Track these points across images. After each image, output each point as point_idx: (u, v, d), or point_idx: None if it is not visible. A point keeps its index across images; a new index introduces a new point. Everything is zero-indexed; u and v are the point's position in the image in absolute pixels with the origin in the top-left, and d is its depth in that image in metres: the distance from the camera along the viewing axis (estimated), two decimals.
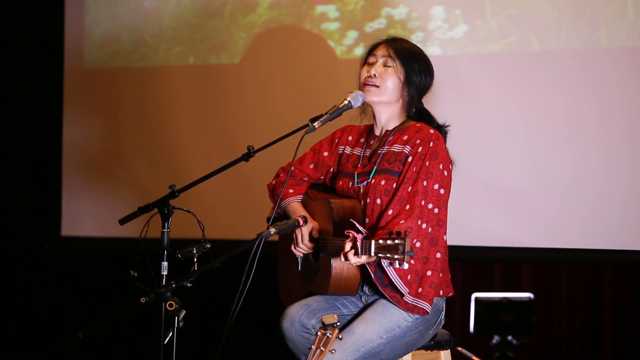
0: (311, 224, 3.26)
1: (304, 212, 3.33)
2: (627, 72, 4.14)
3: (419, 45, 4.16)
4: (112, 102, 5.24)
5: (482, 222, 4.33)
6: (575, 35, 4.22)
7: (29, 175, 5.44)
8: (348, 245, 2.94)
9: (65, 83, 5.33)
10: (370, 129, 3.36)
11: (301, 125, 3.18)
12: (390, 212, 3.08)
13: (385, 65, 3.24)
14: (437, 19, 4.46)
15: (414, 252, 2.80)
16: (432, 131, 3.18)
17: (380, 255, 2.83)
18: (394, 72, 3.23)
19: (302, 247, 3.27)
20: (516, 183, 4.29)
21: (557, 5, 4.24)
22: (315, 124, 3.17)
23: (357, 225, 2.97)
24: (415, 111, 3.28)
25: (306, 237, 3.25)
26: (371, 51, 3.29)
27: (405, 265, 2.80)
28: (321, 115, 3.20)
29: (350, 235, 2.94)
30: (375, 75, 3.23)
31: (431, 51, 4.43)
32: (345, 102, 3.22)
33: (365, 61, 3.30)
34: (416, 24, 4.49)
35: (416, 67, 3.24)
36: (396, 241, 2.79)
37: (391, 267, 2.97)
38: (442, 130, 3.26)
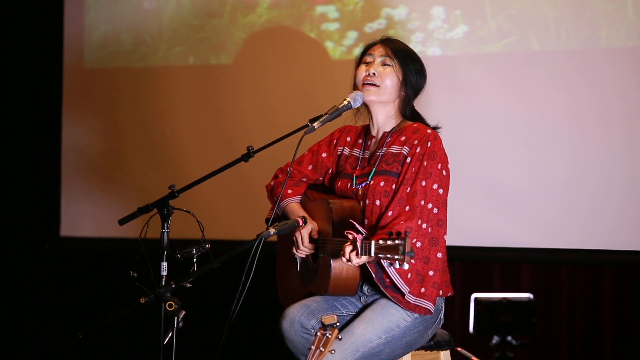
0: (310, 225, 3.26)
1: (302, 213, 3.33)
2: (627, 73, 4.13)
3: (418, 45, 4.17)
4: (112, 103, 5.24)
5: (481, 222, 4.33)
6: (575, 35, 4.21)
7: (29, 176, 5.43)
8: (348, 247, 2.94)
9: (65, 83, 5.33)
10: (367, 130, 3.36)
11: (301, 126, 3.18)
12: (390, 213, 3.08)
13: (383, 64, 3.24)
14: (437, 19, 4.46)
15: (414, 253, 2.80)
16: (429, 131, 3.18)
17: (380, 255, 2.83)
18: (392, 72, 3.23)
19: (303, 249, 3.27)
20: (516, 183, 4.29)
21: (557, 5, 4.24)
22: (315, 125, 3.18)
23: (357, 225, 2.97)
24: (409, 112, 3.28)
25: (306, 239, 3.25)
26: (367, 51, 3.29)
27: (406, 266, 2.80)
28: (321, 116, 3.20)
29: (350, 235, 2.94)
30: (374, 74, 3.22)
31: (431, 51, 4.43)
32: (345, 102, 3.22)
33: (361, 61, 3.29)
34: (416, 24, 4.49)
35: (412, 67, 3.25)
36: (396, 241, 2.79)
37: (392, 268, 2.97)
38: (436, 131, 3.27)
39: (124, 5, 5.18)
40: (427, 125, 3.27)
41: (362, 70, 3.26)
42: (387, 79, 3.23)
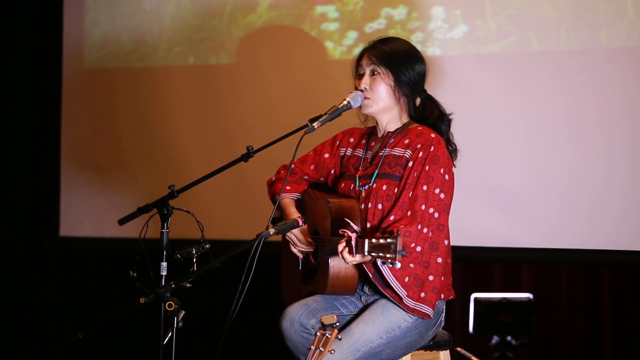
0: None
1: (292, 208, 3.35)
2: (627, 72, 4.13)
3: (418, 45, 4.15)
4: (112, 103, 5.24)
5: (481, 222, 4.33)
6: (575, 35, 4.21)
7: (28, 176, 5.43)
8: (341, 245, 2.95)
9: (65, 83, 5.33)
10: (372, 131, 3.36)
11: (300, 126, 3.18)
12: (392, 217, 3.09)
13: (372, 74, 3.23)
14: (437, 19, 4.46)
15: (406, 252, 2.80)
16: (433, 135, 3.18)
17: (373, 254, 2.83)
18: (381, 80, 3.22)
19: (300, 246, 3.28)
20: (516, 183, 4.29)
21: (557, 5, 4.24)
22: (315, 124, 3.18)
23: (352, 224, 2.98)
24: (421, 101, 3.27)
25: (300, 236, 3.27)
26: (359, 61, 3.29)
27: (398, 265, 2.80)
28: (320, 116, 3.20)
29: (345, 234, 2.94)
30: (366, 88, 3.23)
31: (431, 51, 4.43)
32: (345, 102, 3.23)
33: (357, 72, 3.30)
34: (416, 24, 4.49)
35: (402, 67, 3.22)
36: (388, 240, 2.80)
37: (386, 267, 2.98)
38: (445, 119, 3.25)
39: (124, 5, 5.18)
40: (439, 108, 3.25)
41: (357, 84, 3.26)
42: (378, 89, 3.22)
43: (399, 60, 3.23)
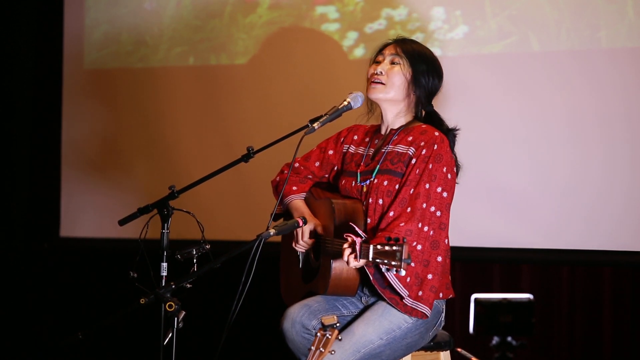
0: (313, 222, 3.26)
1: (305, 210, 3.33)
2: (627, 73, 4.14)
3: None
4: (112, 103, 5.24)
5: (481, 223, 4.33)
6: (575, 35, 4.21)
7: (28, 176, 5.43)
8: (347, 251, 2.94)
9: (65, 83, 5.33)
10: (377, 129, 3.36)
11: (301, 126, 3.18)
12: (391, 213, 3.08)
13: (392, 62, 3.24)
14: (437, 20, 4.46)
15: (411, 260, 2.79)
16: (437, 133, 3.17)
17: (377, 260, 2.82)
18: (400, 70, 3.22)
19: (302, 243, 3.27)
20: (516, 184, 4.29)
21: (557, 6, 4.24)
22: (315, 125, 3.18)
23: (357, 228, 2.97)
24: (425, 114, 3.27)
25: (306, 235, 3.26)
26: (380, 50, 3.29)
27: (402, 272, 2.79)
28: (321, 116, 3.20)
29: (349, 238, 2.94)
30: (381, 72, 3.22)
31: None
32: (345, 102, 3.23)
33: (375, 60, 3.29)
34: (416, 24, 4.49)
35: (424, 69, 3.23)
36: (394, 247, 2.78)
37: (391, 274, 2.97)
38: (450, 134, 3.24)
39: (124, 6, 5.18)
40: (442, 124, 3.25)
41: (372, 69, 3.26)
42: (393, 77, 3.22)
43: (424, 62, 3.24)
